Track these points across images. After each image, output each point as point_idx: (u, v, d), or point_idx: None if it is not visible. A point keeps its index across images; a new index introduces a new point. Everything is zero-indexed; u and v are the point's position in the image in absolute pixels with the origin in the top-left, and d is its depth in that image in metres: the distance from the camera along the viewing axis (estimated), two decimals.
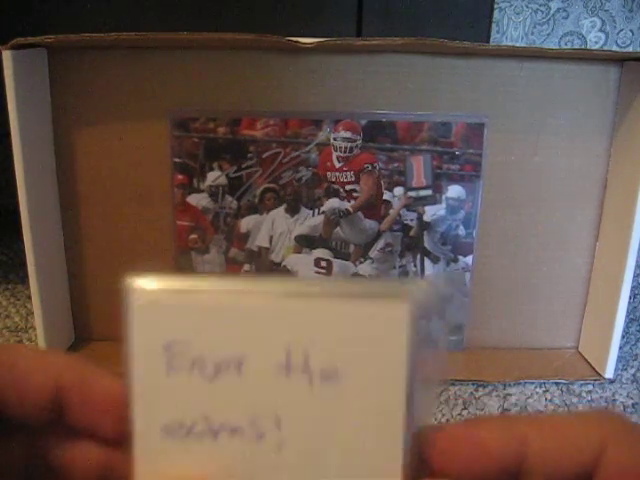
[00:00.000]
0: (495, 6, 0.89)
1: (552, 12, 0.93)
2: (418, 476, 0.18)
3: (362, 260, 0.50)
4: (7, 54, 0.40)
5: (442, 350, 0.19)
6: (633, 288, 0.59)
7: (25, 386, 0.18)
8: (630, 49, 0.96)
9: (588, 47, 0.95)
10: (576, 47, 0.95)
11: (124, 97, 0.47)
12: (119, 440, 0.18)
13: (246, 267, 0.50)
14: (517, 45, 0.93)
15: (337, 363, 0.17)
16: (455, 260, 0.50)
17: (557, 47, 0.95)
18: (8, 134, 0.42)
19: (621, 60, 0.47)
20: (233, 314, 0.17)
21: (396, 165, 0.48)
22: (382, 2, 0.63)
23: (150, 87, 0.47)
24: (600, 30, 0.95)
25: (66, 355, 0.20)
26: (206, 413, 0.17)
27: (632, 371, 0.51)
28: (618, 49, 0.95)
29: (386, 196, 0.49)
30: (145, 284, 0.17)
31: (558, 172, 0.49)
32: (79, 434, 0.19)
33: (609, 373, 0.49)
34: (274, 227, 0.49)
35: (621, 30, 0.95)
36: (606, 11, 0.94)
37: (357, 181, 0.48)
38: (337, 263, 0.50)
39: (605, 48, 0.95)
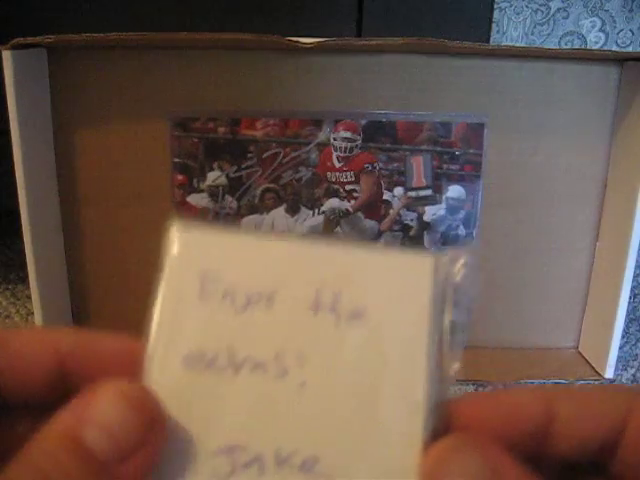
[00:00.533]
0: (495, 6, 0.89)
1: (552, 12, 0.93)
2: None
3: None
4: (7, 54, 0.40)
5: (462, 330, 0.19)
6: (633, 288, 0.58)
7: (23, 362, 0.17)
8: (630, 49, 0.96)
9: (588, 47, 0.95)
10: (576, 47, 0.95)
11: (124, 97, 0.47)
12: None
13: None
14: (517, 45, 0.93)
15: (364, 306, 0.17)
16: None
17: (557, 47, 0.95)
18: (8, 134, 0.42)
19: (621, 60, 0.47)
20: (269, 251, 0.18)
21: (396, 165, 0.48)
22: (382, 2, 0.63)
23: (150, 87, 0.47)
24: (600, 30, 0.95)
25: (62, 326, 0.19)
26: (231, 345, 0.17)
27: (632, 371, 0.51)
28: (618, 49, 0.95)
29: (386, 196, 0.49)
30: (187, 224, 0.18)
31: (558, 172, 0.49)
32: None
33: (609, 373, 0.49)
34: (274, 227, 0.49)
35: (621, 30, 0.95)
36: (606, 11, 0.94)
37: (357, 181, 0.48)
38: None
39: (605, 48, 0.95)
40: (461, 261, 0.18)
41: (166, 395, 0.17)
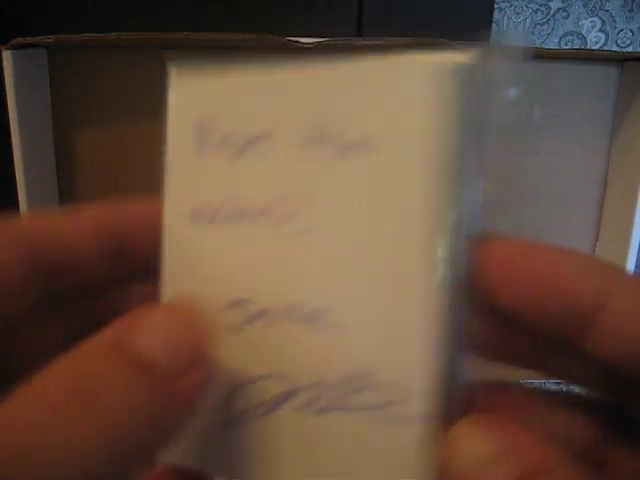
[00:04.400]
0: (495, 6, 0.89)
1: (552, 12, 0.93)
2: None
3: None
4: (7, 54, 0.40)
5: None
6: None
7: (68, 245, 0.17)
8: (630, 49, 0.96)
9: (588, 47, 0.95)
10: (576, 47, 0.95)
11: (124, 97, 0.47)
12: None
13: None
14: None
15: (370, 132, 0.15)
16: None
17: (557, 47, 0.95)
18: (8, 134, 0.42)
19: (621, 60, 0.47)
20: (263, 86, 0.17)
21: None
22: (382, 2, 0.63)
23: (150, 87, 0.47)
24: (600, 30, 0.95)
25: (96, 204, 0.18)
26: (234, 193, 0.16)
27: None
28: (618, 49, 0.95)
29: None
30: (183, 64, 0.17)
31: (558, 172, 0.49)
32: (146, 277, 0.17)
33: None
34: None
35: (621, 30, 0.95)
36: (606, 11, 0.94)
37: None
38: None
39: (605, 48, 0.95)
40: (493, 55, 0.15)
41: (179, 254, 0.17)
